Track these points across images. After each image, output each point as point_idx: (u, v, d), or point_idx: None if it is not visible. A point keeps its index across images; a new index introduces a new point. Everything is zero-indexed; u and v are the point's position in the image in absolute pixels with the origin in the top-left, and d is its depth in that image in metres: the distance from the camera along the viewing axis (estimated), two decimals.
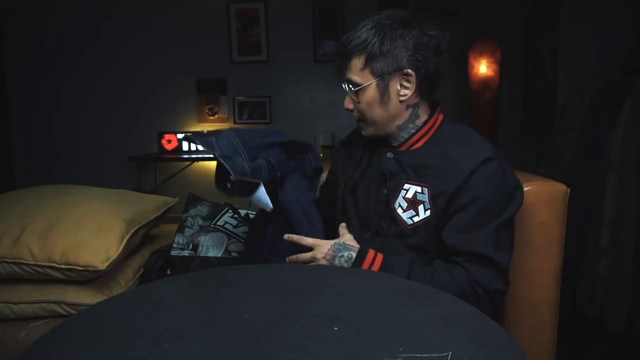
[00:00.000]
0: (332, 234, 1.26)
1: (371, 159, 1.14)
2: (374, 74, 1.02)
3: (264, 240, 1.19)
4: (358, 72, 1.04)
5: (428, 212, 1.02)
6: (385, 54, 1.01)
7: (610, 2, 2.64)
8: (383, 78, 1.02)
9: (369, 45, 1.00)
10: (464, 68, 3.86)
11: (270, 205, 1.05)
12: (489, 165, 0.99)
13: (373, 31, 1.00)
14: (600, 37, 2.66)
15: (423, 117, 1.09)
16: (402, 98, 1.05)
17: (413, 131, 1.08)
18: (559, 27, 3.03)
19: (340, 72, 1.08)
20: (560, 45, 3.02)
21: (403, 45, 1.00)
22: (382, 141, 1.12)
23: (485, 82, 3.82)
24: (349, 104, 1.10)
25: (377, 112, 1.06)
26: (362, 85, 1.04)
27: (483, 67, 3.79)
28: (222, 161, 0.98)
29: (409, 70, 1.02)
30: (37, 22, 4.23)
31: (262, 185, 1.01)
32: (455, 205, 1.00)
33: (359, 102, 1.06)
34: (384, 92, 1.04)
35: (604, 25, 2.64)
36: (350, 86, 1.06)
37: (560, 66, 3.02)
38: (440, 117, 1.11)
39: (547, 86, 3.21)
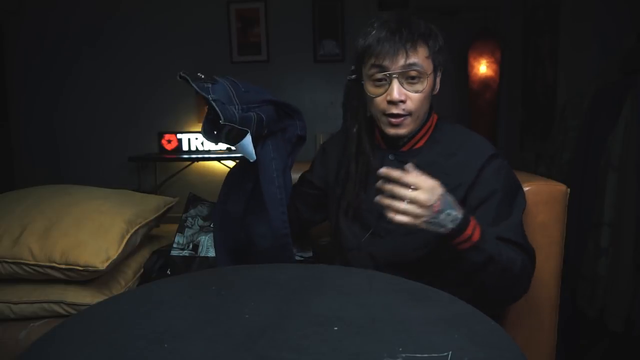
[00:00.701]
0: (296, 225, 1.26)
1: (369, 165, 1.09)
2: (434, 64, 1.01)
3: (239, 196, 1.17)
4: (424, 59, 0.99)
5: None
6: (443, 48, 1.01)
7: (610, 2, 2.64)
8: (435, 70, 1.02)
9: (434, 35, 1.00)
10: (464, 68, 3.86)
11: (254, 155, 1.04)
12: (497, 160, 1.02)
13: (426, 25, 1.00)
14: (600, 37, 2.65)
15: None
16: (434, 93, 1.05)
17: (417, 129, 1.07)
18: (559, 27, 3.02)
19: (395, 55, 0.97)
20: (560, 45, 3.02)
21: (444, 44, 1.02)
22: (387, 139, 1.08)
23: (485, 82, 3.82)
24: (402, 94, 0.99)
25: (425, 106, 1.03)
26: (428, 73, 1.00)
27: (483, 67, 3.79)
28: (214, 104, 0.97)
29: (443, 68, 1.04)
30: (37, 22, 4.23)
31: (250, 135, 1.00)
32: (474, 201, 0.99)
33: (417, 92, 1.00)
34: (434, 85, 1.04)
35: (604, 25, 2.63)
36: (416, 72, 0.98)
37: (560, 66, 3.02)
38: (435, 116, 1.11)
39: (547, 86, 3.20)
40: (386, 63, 0.98)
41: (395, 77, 0.98)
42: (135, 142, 4.26)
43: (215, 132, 1.00)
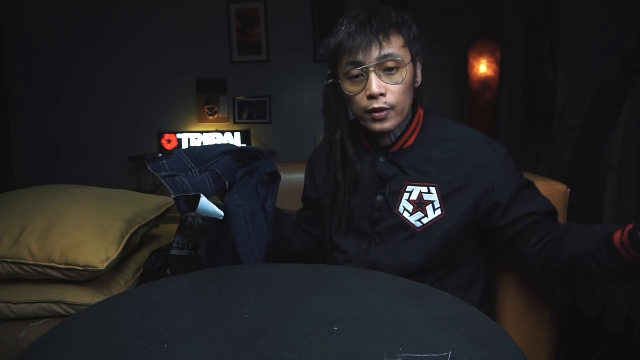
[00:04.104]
0: (319, 251, 1.22)
1: (356, 170, 1.04)
2: (411, 53, 0.97)
3: (222, 248, 1.16)
4: (400, 49, 0.95)
5: (439, 212, 0.98)
6: (418, 37, 0.97)
7: (610, 2, 2.64)
8: (414, 60, 0.98)
9: (407, 24, 0.96)
10: (464, 68, 3.86)
11: (220, 212, 1.02)
12: (504, 152, 1.02)
13: (398, 14, 0.96)
14: (600, 37, 2.66)
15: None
16: (416, 85, 1.01)
17: (404, 126, 1.03)
18: (559, 27, 3.03)
19: (368, 48, 0.93)
20: (560, 45, 3.02)
21: (419, 33, 0.99)
22: (374, 141, 1.05)
23: (485, 82, 3.82)
24: (381, 88, 0.94)
25: (408, 99, 0.99)
26: (406, 62, 0.95)
27: (483, 67, 3.79)
28: (163, 181, 1.00)
29: (422, 58, 1.01)
30: (37, 22, 4.24)
31: (203, 197, 1.00)
32: (506, 197, 0.98)
33: (397, 84, 0.95)
34: (414, 75, 0.99)
35: (604, 25, 2.64)
36: (394, 63, 0.94)
37: (560, 66, 3.03)
38: (421, 111, 1.07)
39: (547, 86, 3.21)
40: (360, 57, 0.93)
41: (372, 70, 0.93)
42: (135, 142, 4.26)
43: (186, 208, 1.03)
